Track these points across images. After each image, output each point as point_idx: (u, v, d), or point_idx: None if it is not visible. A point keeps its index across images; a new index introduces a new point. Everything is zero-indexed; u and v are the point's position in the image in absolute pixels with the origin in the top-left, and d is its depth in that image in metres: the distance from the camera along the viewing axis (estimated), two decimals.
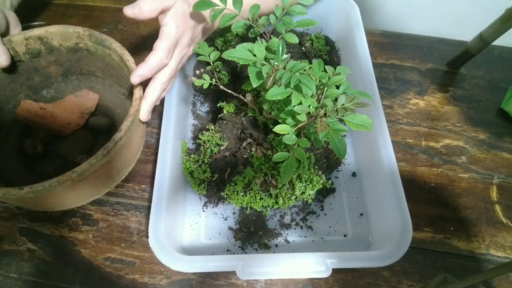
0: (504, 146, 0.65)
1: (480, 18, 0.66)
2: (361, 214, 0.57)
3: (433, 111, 0.69)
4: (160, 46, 0.48)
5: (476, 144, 0.65)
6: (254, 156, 0.52)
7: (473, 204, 0.60)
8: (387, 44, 0.77)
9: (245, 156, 0.53)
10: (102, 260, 0.53)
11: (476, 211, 0.59)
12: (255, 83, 0.43)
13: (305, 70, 0.43)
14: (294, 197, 0.52)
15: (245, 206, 0.53)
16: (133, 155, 0.56)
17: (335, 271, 0.53)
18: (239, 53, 0.42)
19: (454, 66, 0.74)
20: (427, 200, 0.60)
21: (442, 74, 0.74)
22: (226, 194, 0.52)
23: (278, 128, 0.41)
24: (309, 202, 0.55)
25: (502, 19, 0.61)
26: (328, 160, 0.56)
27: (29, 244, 0.54)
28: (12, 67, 0.57)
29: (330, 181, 0.58)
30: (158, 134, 0.61)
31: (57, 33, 0.56)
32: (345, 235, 0.56)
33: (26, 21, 0.76)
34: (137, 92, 0.50)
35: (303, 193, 0.52)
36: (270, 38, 0.49)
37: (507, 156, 0.64)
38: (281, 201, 0.51)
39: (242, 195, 0.51)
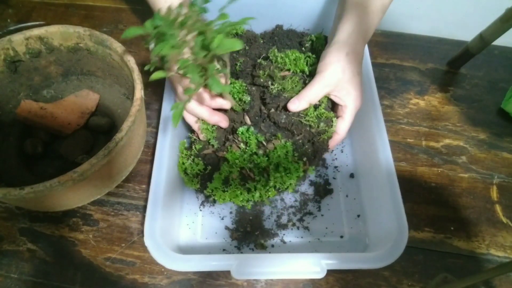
0: (504, 146, 0.65)
1: (480, 18, 0.66)
2: (358, 216, 0.57)
3: (434, 111, 0.69)
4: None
5: (476, 144, 0.65)
6: (229, 151, 0.52)
7: (473, 204, 0.60)
8: (387, 44, 0.77)
9: (224, 154, 0.53)
10: (102, 260, 0.53)
11: (476, 211, 0.59)
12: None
13: None
14: (272, 188, 0.51)
15: (228, 202, 0.53)
16: (134, 155, 0.56)
17: (335, 271, 0.53)
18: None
19: (454, 66, 0.74)
20: (428, 200, 0.60)
21: (442, 74, 0.74)
22: (209, 192, 0.52)
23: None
24: (289, 192, 0.55)
25: (502, 19, 0.61)
26: (313, 144, 0.54)
27: (29, 244, 0.54)
28: (12, 67, 0.57)
29: (312, 168, 0.54)
30: None
31: (57, 33, 0.56)
32: (341, 236, 0.56)
33: (26, 21, 0.76)
34: (138, 92, 0.50)
35: (282, 183, 0.51)
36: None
37: (507, 156, 0.64)
38: (257, 194, 0.50)
39: (223, 191, 0.51)
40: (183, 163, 0.55)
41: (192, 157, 0.55)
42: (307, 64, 0.58)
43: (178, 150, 0.57)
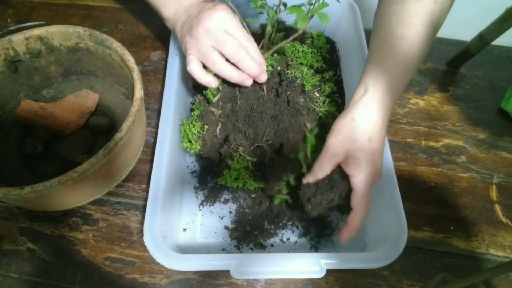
0: (503, 145, 0.65)
1: (480, 17, 0.66)
2: None
3: (433, 111, 0.69)
4: (361, 203, 0.45)
5: (475, 143, 0.65)
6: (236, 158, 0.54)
7: (473, 203, 0.60)
8: None
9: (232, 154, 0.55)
10: (102, 259, 0.53)
11: (475, 211, 0.59)
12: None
13: None
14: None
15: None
16: (134, 154, 0.56)
17: (335, 270, 0.53)
18: None
19: (454, 66, 0.74)
20: (427, 199, 0.60)
21: (442, 74, 0.74)
22: (221, 182, 0.55)
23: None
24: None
25: (502, 18, 0.61)
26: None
27: (29, 243, 0.54)
28: (12, 67, 0.57)
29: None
30: None
31: (57, 33, 0.56)
32: None
33: (26, 21, 0.76)
34: (138, 92, 0.50)
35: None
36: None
37: (506, 155, 0.64)
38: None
39: (235, 179, 0.54)
40: (185, 131, 0.56)
41: (193, 123, 0.57)
42: (316, 61, 0.61)
43: (178, 148, 0.58)
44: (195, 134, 0.56)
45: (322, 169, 0.46)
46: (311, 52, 0.63)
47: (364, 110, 0.45)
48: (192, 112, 0.58)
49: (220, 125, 0.56)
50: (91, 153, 0.56)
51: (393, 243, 0.47)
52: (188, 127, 0.56)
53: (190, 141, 0.56)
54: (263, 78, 0.53)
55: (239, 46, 0.51)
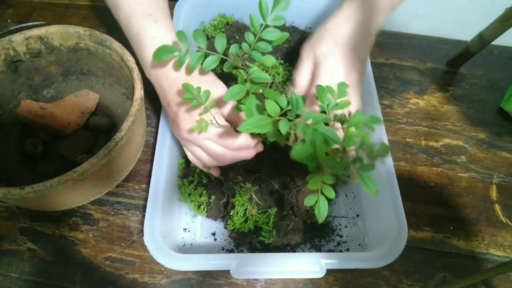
0: (503, 145, 0.65)
1: (480, 17, 0.66)
2: (358, 215, 0.57)
3: (433, 111, 0.69)
4: None
5: (475, 143, 0.65)
6: (238, 193, 0.53)
7: (473, 203, 0.60)
8: (387, 44, 0.77)
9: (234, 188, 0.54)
10: (102, 259, 0.53)
11: (475, 211, 0.59)
12: (273, 138, 0.40)
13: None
14: None
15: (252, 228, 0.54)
16: (134, 154, 0.56)
17: (335, 270, 0.53)
18: (253, 123, 0.35)
19: (454, 66, 0.74)
20: (427, 199, 0.60)
21: (442, 74, 0.74)
22: (232, 228, 0.54)
23: (310, 180, 0.36)
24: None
25: (502, 18, 0.61)
26: None
27: (29, 243, 0.54)
28: (12, 67, 0.57)
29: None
30: None
31: (57, 33, 0.56)
32: (341, 236, 0.56)
33: (26, 21, 0.76)
34: (138, 92, 0.50)
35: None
36: (247, 66, 0.44)
37: (506, 155, 0.64)
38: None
39: (244, 222, 0.53)
40: (185, 191, 0.55)
41: (195, 182, 0.56)
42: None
43: (177, 169, 0.57)
44: (199, 202, 0.55)
45: (300, 75, 0.50)
46: (280, 63, 0.64)
47: (335, 19, 0.50)
48: (196, 174, 0.56)
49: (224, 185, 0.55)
50: (91, 153, 0.56)
51: (393, 243, 0.47)
52: (193, 195, 0.55)
53: (192, 201, 0.55)
54: (259, 150, 0.51)
55: (224, 149, 0.48)
